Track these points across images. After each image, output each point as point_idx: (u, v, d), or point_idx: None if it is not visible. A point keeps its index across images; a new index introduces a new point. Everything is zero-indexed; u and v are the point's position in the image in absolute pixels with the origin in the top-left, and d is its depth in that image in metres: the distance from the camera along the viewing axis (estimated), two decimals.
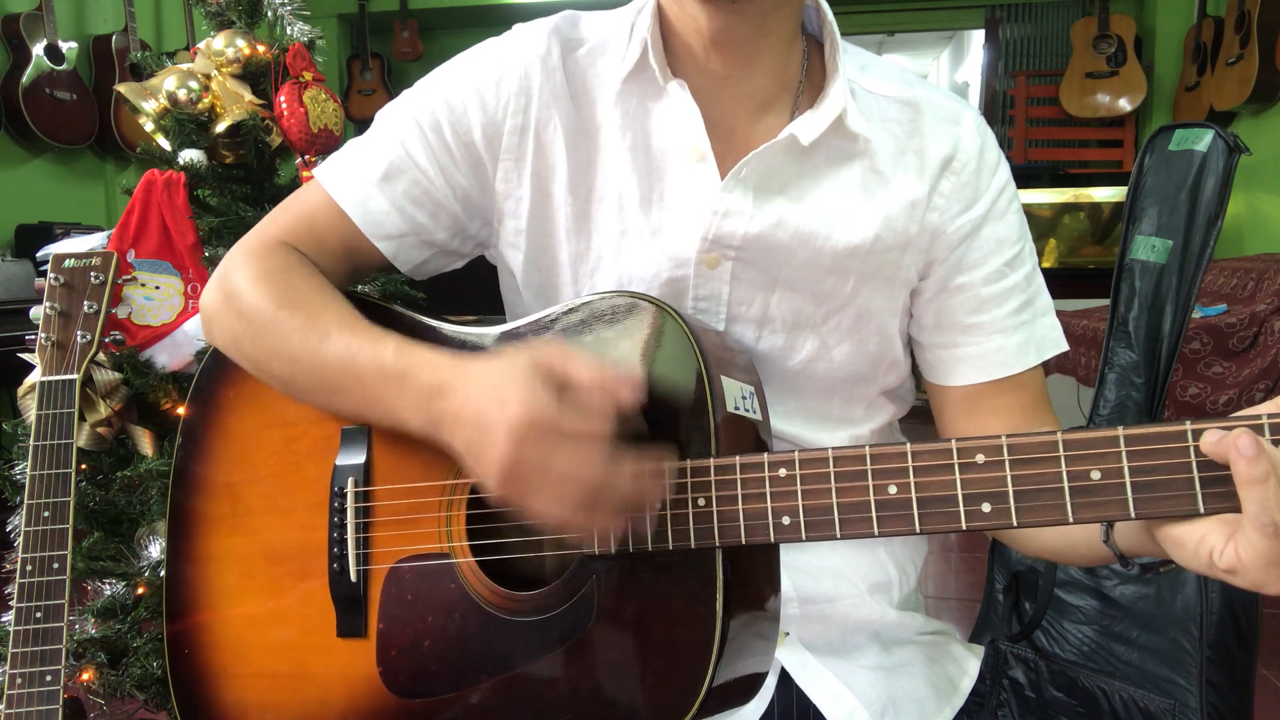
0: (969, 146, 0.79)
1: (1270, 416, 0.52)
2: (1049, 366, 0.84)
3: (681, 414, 0.66)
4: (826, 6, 0.80)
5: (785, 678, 0.81)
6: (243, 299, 0.77)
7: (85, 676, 1.37)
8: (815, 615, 0.82)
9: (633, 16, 0.80)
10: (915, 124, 0.79)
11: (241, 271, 0.78)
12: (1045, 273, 0.85)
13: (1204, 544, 0.53)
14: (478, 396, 0.62)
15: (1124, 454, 0.54)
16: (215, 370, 0.85)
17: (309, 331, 0.73)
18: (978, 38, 5.97)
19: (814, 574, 0.82)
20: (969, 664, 0.89)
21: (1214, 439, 0.51)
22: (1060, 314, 0.84)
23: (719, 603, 0.63)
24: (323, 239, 0.82)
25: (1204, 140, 1.36)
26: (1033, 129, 5.23)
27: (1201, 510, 0.53)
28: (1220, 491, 0.52)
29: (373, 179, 0.81)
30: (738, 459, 0.63)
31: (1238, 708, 1.20)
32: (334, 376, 0.71)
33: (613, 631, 0.66)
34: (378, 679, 0.74)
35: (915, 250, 0.80)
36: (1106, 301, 1.47)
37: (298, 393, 0.76)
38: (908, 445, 0.59)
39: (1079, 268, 4.48)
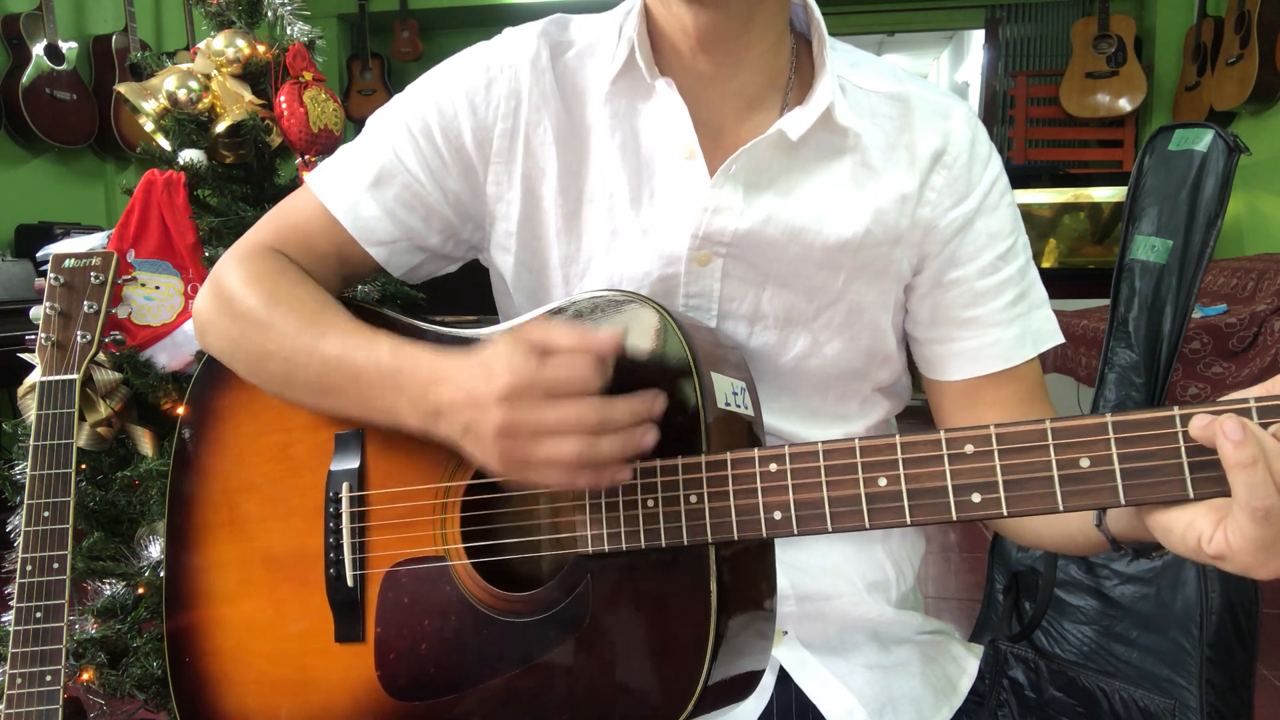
0: (960, 140, 0.80)
1: (1258, 400, 0.51)
2: (1048, 365, 0.84)
3: (673, 411, 0.66)
4: (814, 4, 0.80)
5: (784, 676, 0.81)
6: (236, 302, 0.77)
7: (85, 676, 1.37)
8: (813, 613, 0.83)
9: (620, 19, 0.80)
10: (905, 119, 0.80)
11: (233, 275, 0.79)
12: (1045, 273, 0.85)
13: (1191, 530, 0.53)
14: (468, 379, 0.64)
15: (1112, 441, 0.54)
16: (210, 378, 0.85)
17: (303, 332, 0.73)
18: (978, 38, 5.97)
19: (811, 572, 0.82)
20: (968, 663, 0.89)
21: (1202, 424, 0.51)
22: (1060, 314, 0.84)
23: (713, 600, 0.63)
24: (314, 245, 0.82)
25: (1204, 140, 1.36)
26: (1033, 129, 5.23)
27: (1191, 495, 0.53)
28: (1209, 476, 0.52)
29: (364, 184, 0.81)
30: (729, 455, 0.64)
31: (1238, 707, 1.20)
32: (330, 376, 0.72)
33: (608, 630, 0.66)
34: (377, 683, 0.75)
35: (907, 245, 0.80)
36: (1106, 301, 1.47)
37: (292, 393, 0.77)
38: (897, 438, 0.60)
39: (1079, 268, 4.48)
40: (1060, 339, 0.84)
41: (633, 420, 0.62)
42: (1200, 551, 0.52)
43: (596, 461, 0.61)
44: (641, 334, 0.68)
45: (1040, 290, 0.83)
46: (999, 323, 0.81)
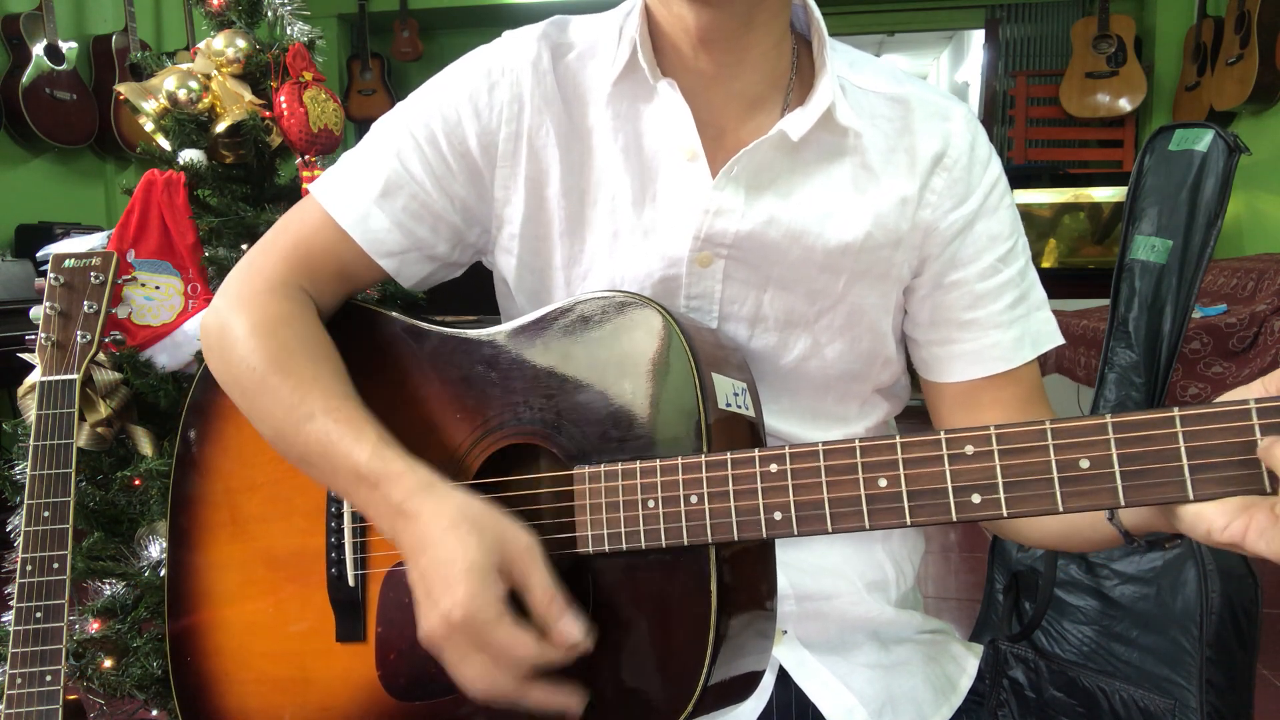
0: (960, 142, 0.80)
1: (1258, 401, 0.52)
2: (1048, 366, 0.85)
3: (673, 411, 0.66)
4: (814, 5, 0.80)
5: (784, 676, 0.81)
6: (236, 350, 0.76)
7: (85, 677, 1.37)
8: (813, 613, 0.83)
9: (621, 19, 0.80)
10: (906, 121, 0.80)
11: (240, 319, 0.78)
12: (1045, 273, 0.85)
13: (1200, 519, 0.53)
14: (434, 550, 0.64)
15: (1112, 441, 0.54)
16: (211, 378, 0.85)
17: (294, 408, 0.73)
18: (978, 38, 5.97)
19: (811, 572, 0.83)
20: (968, 663, 0.89)
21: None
22: (1060, 314, 0.84)
23: (713, 601, 0.63)
24: (323, 259, 0.81)
25: (1204, 140, 1.36)
26: (1033, 129, 5.23)
27: (1191, 496, 0.53)
28: (1210, 478, 0.52)
29: (371, 196, 0.80)
30: (729, 455, 0.64)
31: (1238, 708, 1.20)
32: (311, 459, 0.72)
33: (608, 630, 0.66)
34: (377, 682, 0.75)
35: (907, 247, 0.80)
36: (1106, 301, 1.47)
37: (278, 451, 0.77)
38: (897, 438, 0.60)
39: (1079, 268, 4.49)
40: (1060, 340, 0.84)
41: (541, 713, 0.64)
42: (1211, 539, 0.53)
43: (499, 704, 0.64)
44: (643, 335, 0.68)
45: (1040, 292, 0.83)
46: (999, 325, 0.81)
